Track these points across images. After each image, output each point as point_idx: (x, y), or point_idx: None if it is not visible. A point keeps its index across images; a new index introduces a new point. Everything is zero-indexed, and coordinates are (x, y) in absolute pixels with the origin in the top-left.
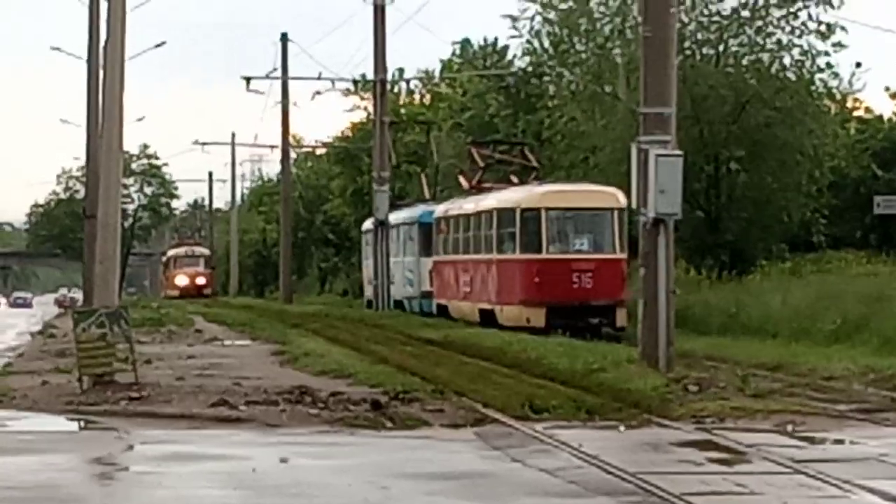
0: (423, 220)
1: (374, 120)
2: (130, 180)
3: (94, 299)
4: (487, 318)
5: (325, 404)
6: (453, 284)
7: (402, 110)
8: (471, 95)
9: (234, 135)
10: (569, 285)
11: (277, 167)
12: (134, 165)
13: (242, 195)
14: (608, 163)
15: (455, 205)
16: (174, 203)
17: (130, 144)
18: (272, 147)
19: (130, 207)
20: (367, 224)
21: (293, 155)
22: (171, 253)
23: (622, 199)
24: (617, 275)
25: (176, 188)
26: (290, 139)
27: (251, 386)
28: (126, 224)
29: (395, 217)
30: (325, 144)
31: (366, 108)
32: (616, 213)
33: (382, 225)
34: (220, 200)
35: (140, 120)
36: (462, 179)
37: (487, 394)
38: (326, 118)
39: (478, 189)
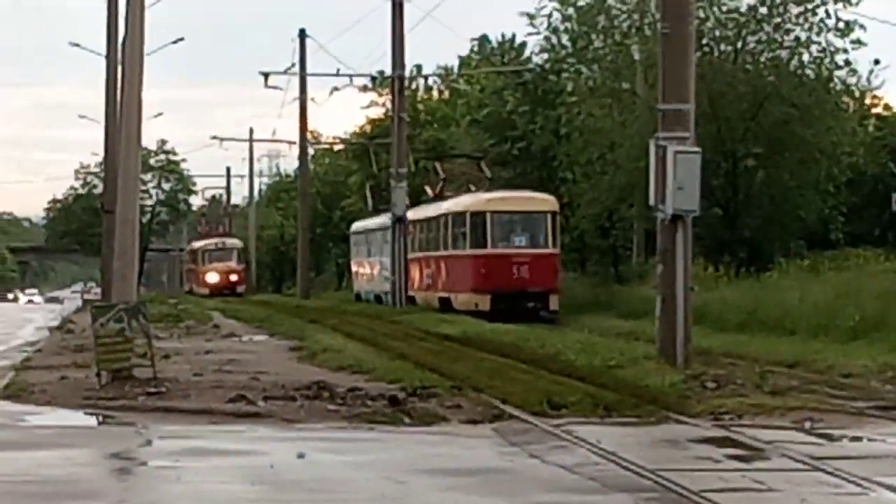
0: None
1: (392, 116)
2: (148, 176)
3: (112, 294)
4: (445, 305)
5: (343, 400)
6: (419, 278)
7: (420, 106)
8: (488, 92)
9: (251, 130)
10: (510, 276)
11: (295, 163)
12: (152, 161)
13: (260, 191)
14: (626, 159)
15: (420, 211)
16: (192, 199)
17: (148, 140)
18: (290, 143)
19: (148, 203)
20: (355, 226)
21: (311, 151)
22: (197, 245)
23: (554, 203)
24: (550, 266)
25: (194, 184)
26: (308, 135)
27: (269, 381)
28: (144, 220)
29: (373, 222)
30: (342, 140)
31: (384, 105)
32: (549, 215)
33: (400, 221)
34: (238, 196)
35: (158, 116)
36: (427, 188)
37: (505, 390)
38: (344, 114)
39: (440, 197)
